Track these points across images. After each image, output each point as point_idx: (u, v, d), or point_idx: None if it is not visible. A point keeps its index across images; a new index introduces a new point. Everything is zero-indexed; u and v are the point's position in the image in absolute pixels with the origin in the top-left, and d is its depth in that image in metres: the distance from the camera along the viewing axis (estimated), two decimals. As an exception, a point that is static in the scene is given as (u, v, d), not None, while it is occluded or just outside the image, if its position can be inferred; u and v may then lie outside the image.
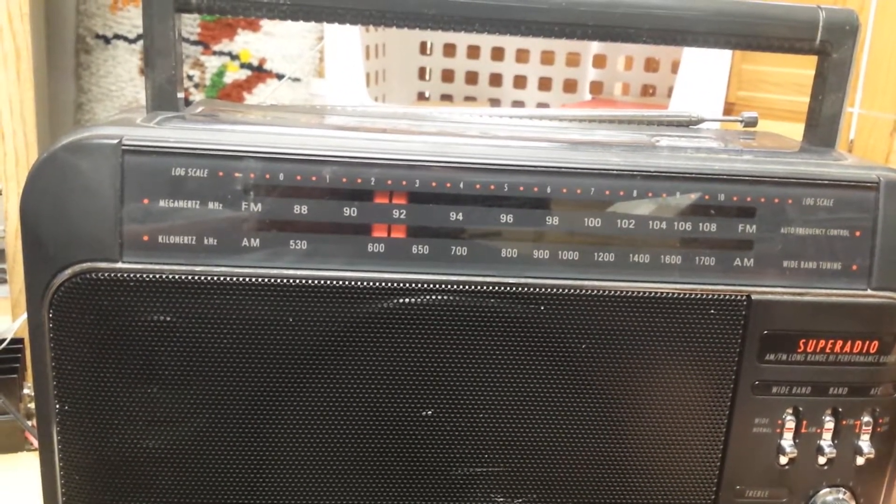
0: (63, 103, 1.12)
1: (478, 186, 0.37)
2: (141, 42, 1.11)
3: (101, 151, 0.35)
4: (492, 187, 0.37)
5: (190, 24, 1.11)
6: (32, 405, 0.64)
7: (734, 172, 0.38)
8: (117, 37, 1.12)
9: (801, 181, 0.38)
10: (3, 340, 0.67)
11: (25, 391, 0.66)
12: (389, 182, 0.36)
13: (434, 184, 0.36)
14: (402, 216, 0.36)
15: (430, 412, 0.38)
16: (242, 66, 1.14)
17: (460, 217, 0.37)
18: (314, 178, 0.36)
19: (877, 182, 0.39)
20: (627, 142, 0.44)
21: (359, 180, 0.36)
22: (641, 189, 0.37)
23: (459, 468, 0.39)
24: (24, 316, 0.69)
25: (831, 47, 0.42)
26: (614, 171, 0.37)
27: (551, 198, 0.37)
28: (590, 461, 0.39)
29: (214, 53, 1.14)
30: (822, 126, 0.43)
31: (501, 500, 0.39)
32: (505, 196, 0.37)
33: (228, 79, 1.14)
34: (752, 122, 0.50)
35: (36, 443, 0.63)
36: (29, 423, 0.63)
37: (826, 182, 0.38)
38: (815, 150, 0.43)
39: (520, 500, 0.40)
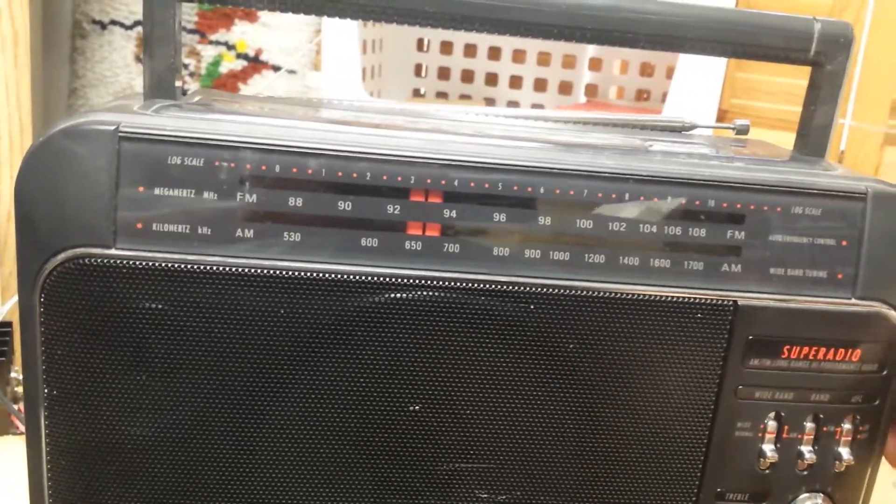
0: (57, 88, 1.12)
1: (472, 184, 0.37)
2: (137, 29, 1.11)
3: (97, 137, 0.35)
4: (486, 186, 0.37)
5: (187, 13, 1.11)
6: (20, 389, 0.64)
7: (725, 179, 0.38)
8: (114, 23, 1.12)
9: (790, 189, 0.39)
10: (-8, 323, 0.67)
11: (13, 375, 0.66)
12: (385, 177, 0.37)
13: (429, 180, 0.37)
14: (395, 211, 0.37)
15: (417, 407, 0.38)
16: (238, 56, 1.14)
17: (453, 214, 0.37)
18: (309, 171, 0.36)
19: (864, 193, 0.39)
20: (621, 145, 0.44)
21: (353, 175, 0.36)
22: (633, 192, 0.38)
23: (444, 464, 0.39)
24: (14, 299, 0.69)
25: (825, 59, 0.42)
26: (607, 174, 0.38)
27: (544, 198, 0.37)
28: (573, 460, 0.40)
29: (211, 43, 1.13)
30: (812, 136, 0.44)
31: (485, 496, 0.40)
32: (498, 195, 0.37)
33: (224, 69, 1.14)
34: (743, 130, 0.51)
35: (22, 427, 0.63)
36: (16, 406, 0.63)
37: (814, 191, 0.39)
38: (804, 159, 0.44)
39: (503, 497, 0.40)
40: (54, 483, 0.38)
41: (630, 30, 0.41)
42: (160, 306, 0.36)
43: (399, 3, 0.40)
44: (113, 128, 0.35)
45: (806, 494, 0.41)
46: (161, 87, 0.40)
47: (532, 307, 0.38)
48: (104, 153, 0.35)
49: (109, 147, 0.35)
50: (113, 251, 0.36)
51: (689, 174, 0.38)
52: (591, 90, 1.05)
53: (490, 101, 1.07)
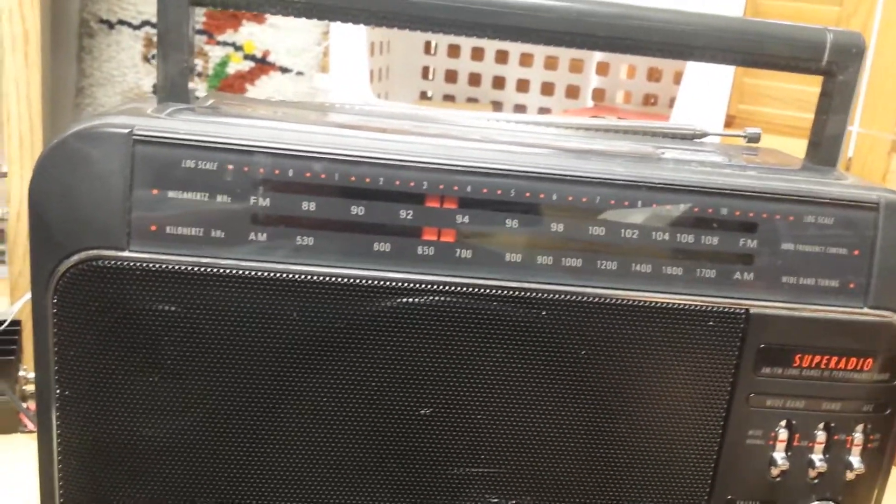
0: (64, 87, 1.12)
1: (485, 191, 0.37)
2: (145, 28, 1.11)
3: (112, 140, 0.35)
4: (499, 192, 0.37)
5: (195, 13, 1.11)
6: (28, 387, 0.64)
7: (738, 187, 0.38)
8: (121, 22, 1.12)
9: (802, 199, 0.39)
10: (2, 322, 0.67)
11: (21, 373, 0.66)
12: (398, 182, 0.37)
13: (442, 186, 0.37)
14: (408, 217, 0.37)
15: (428, 411, 0.38)
16: (246, 57, 1.14)
17: (466, 220, 0.37)
18: (323, 176, 0.36)
19: (877, 203, 0.39)
20: (633, 152, 0.44)
21: (367, 179, 0.37)
22: (646, 200, 0.38)
23: (455, 468, 0.39)
24: (24, 298, 0.70)
25: (837, 69, 0.42)
26: (620, 182, 0.38)
27: (557, 205, 0.37)
28: (584, 466, 0.40)
29: (218, 43, 1.13)
30: (824, 145, 0.44)
31: (496, 500, 0.40)
32: (511, 201, 0.37)
33: (231, 69, 1.14)
34: (755, 138, 0.51)
35: (30, 425, 0.64)
36: (24, 405, 0.63)
37: (827, 201, 0.39)
38: (816, 168, 0.44)
39: (513, 502, 0.40)
40: (65, 483, 0.38)
41: (640, 38, 0.41)
42: (173, 308, 0.36)
43: (408, 10, 0.40)
44: (127, 131, 0.35)
45: (816, 503, 0.41)
46: (174, 91, 0.40)
47: (544, 313, 0.38)
48: (118, 156, 0.35)
49: (124, 150, 0.35)
50: (126, 253, 0.36)
51: (702, 182, 0.38)
52: (599, 94, 1.05)
53: (497, 105, 1.07)
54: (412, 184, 0.37)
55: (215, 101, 0.45)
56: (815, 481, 0.41)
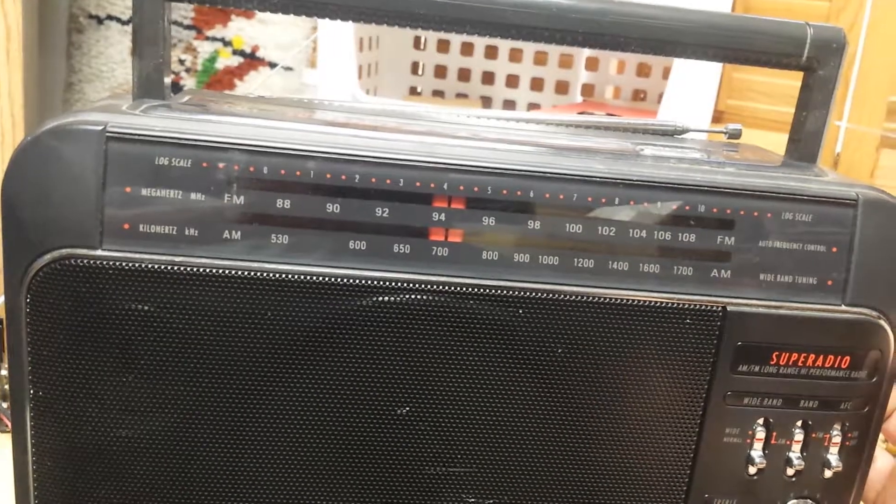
0: (53, 82, 1.11)
1: (461, 188, 0.37)
2: (134, 24, 1.10)
3: (84, 137, 0.35)
4: (475, 189, 0.37)
5: (184, 9, 1.11)
6: (7, 387, 0.64)
7: (715, 184, 0.38)
8: (110, 17, 1.11)
9: (780, 195, 0.39)
10: (-18, 321, 0.67)
11: (3, 372, 0.65)
12: (373, 180, 0.36)
13: (418, 183, 0.37)
14: (384, 214, 0.37)
15: (405, 410, 0.38)
16: (235, 52, 1.14)
17: (443, 218, 0.37)
18: (298, 173, 0.36)
19: (855, 199, 0.39)
20: (612, 149, 0.44)
21: (343, 177, 0.36)
22: (623, 197, 0.38)
23: (432, 467, 0.39)
24: (2, 299, 0.69)
25: (818, 64, 0.42)
26: (597, 179, 0.38)
27: (534, 202, 0.37)
28: (560, 464, 0.40)
29: (207, 39, 1.13)
30: (804, 141, 0.44)
31: (472, 500, 0.40)
32: (488, 198, 0.37)
33: (220, 65, 1.14)
34: (735, 134, 0.51)
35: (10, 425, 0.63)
36: (3, 404, 0.62)
37: (805, 197, 0.39)
38: (796, 164, 0.44)
39: (490, 501, 0.40)
40: (40, 484, 0.38)
41: (621, 34, 0.41)
42: (147, 307, 0.36)
43: (390, 5, 0.39)
44: (100, 128, 0.35)
45: (794, 501, 0.41)
46: (150, 87, 0.39)
47: (521, 311, 0.37)
48: (91, 153, 0.35)
49: (96, 147, 0.35)
50: (99, 252, 0.35)
51: (680, 179, 0.38)
52: (588, 90, 1.04)
53: (486, 100, 1.07)
54: (388, 181, 0.36)
55: (192, 97, 0.45)
56: (793, 479, 0.41)
